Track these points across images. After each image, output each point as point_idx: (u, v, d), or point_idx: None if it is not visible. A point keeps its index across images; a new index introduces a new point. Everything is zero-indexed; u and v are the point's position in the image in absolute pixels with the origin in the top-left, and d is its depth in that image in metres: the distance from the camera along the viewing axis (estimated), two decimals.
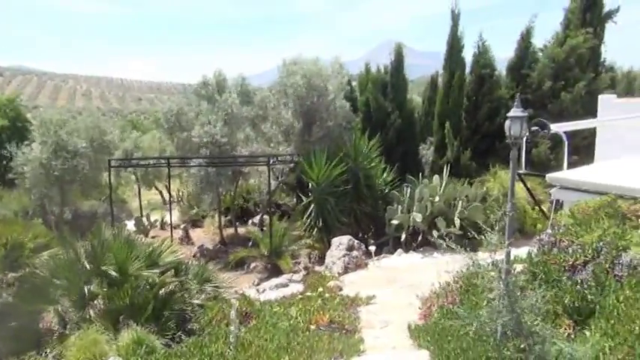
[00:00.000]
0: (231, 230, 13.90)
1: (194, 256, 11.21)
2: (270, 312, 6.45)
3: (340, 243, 9.42)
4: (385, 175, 12.17)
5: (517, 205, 10.39)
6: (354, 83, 15.93)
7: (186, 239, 13.52)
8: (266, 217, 12.69)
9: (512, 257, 5.64)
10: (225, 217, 14.59)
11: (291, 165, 12.35)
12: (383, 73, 15.16)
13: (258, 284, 9.43)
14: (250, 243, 11.77)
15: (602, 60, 13.86)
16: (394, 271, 8.80)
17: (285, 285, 8.81)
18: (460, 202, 10.07)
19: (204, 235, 14.37)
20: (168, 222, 13.56)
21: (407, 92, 15.41)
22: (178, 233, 13.54)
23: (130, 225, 14.68)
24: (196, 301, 6.85)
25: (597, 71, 13.49)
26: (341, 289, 7.87)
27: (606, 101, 11.85)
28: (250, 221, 14.92)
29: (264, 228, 12.39)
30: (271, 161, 11.25)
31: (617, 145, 10.03)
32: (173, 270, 7.06)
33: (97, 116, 16.67)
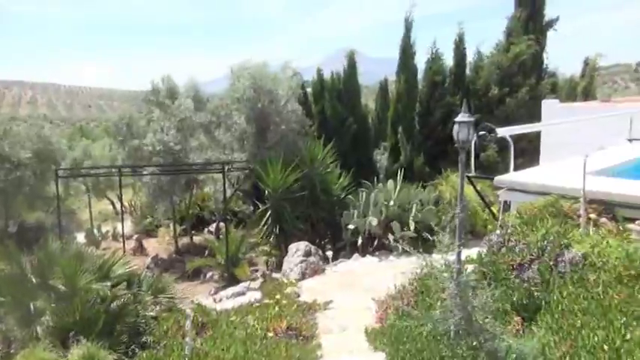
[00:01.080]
0: (186, 239, 13.65)
1: (148, 267, 10.92)
2: (227, 321, 6.37)
3: (297, 249, 9.43)
4: (341, 180, 12.27)
5: (468, 207, 10.70)
6: (309, 90, 16.01)
7: (140, 250, 13.16)
8: (222, 225, 12.53)
9: (464, 258, 5.81)
10: (181, 226, 14.30)
11: (247, 172, 12.27)
12: (337, 79, 15.33)
13: (214, 293, 9.28)
14: (206, 252, 11.60)
15: (544, 66, 14.53)
16: (351, 275, 8.87)
17: (243, 293, 8.71)
18: (414, 205, 10.28)
19: (159, 246, 14.03)
20: (121, 233, 13.16)
21: (361, 98, 15.65)
22: (131, 244, 13.16)
23: (80, 237, 14.16)
24: (150, 314, 6.67)
25: (540, 77, 14.12)
26: (299, 296, 7.87)
27: (549, 106, 12.42)
28: (206, 230, 14.70)
29: (221, 236, 12.23)
30: (226, 168, 11.13)
31: (559, 148, 10.52)
32: (125, 282, 6.86)
33: (42, 124, 16.03)
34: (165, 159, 11.71)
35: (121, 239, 12.92)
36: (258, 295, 8.32)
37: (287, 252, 9.72)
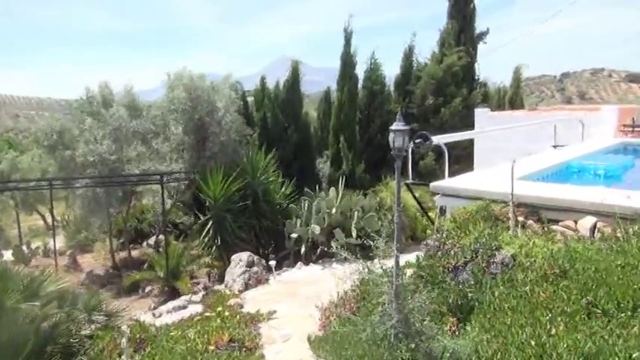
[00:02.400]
0: (124, 254, 13.17)
1: (82, 284, 10.45)
2: (167, 336, 6.18)
3: (240, 260, 9.31)
4: (283, 189, 12.27)
5: (408, 213, 11.01)
6: (250, 99, 15.94)
7: (74, 266, 12.58)
8: (162, 237, 12.19)
9: (404, 262, 5.98)
10: (118, 239, 13.79)
11: (187, 182, 12.02)
12: (279, 88, 15.37)
13: (154, 308, 9.00)
14: (145, 265, 11.24)
15: (476, 77, 15.24)
16: (295, 284, 8.86)
17: (184, 307, 8.49)
18: (356, 212, 10.43)
19: (95, 261, 13.46)
20: (53, 249, 12.52)
21: (302, 107, 15.77)
22: (64, 260, 12.55)
23: (8, 255, 13.34)
24: (85, 332, 6.37)
25: (472, 87, 14.79)
26: (242, 307, 7.76)
27: (481, 114, 13.05)
28: (145, 243, 14.25)
29: (161, 249, 11.90)
30: (165, 179, 10.85)
31: (491, 154, 11.05)
32: (57, 301, 6.51)
33: None
34: (100, 170, 11.27)
35: (52, 255, 12.27)
36: (199, 308, 8.14)
37: (229, 263, 9.58)
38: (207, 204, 11.12)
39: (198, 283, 10.13)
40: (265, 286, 9.07)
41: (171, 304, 8.75)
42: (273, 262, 9.90)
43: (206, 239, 10.96)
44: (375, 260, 4.40)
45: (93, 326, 6.66)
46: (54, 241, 12.61)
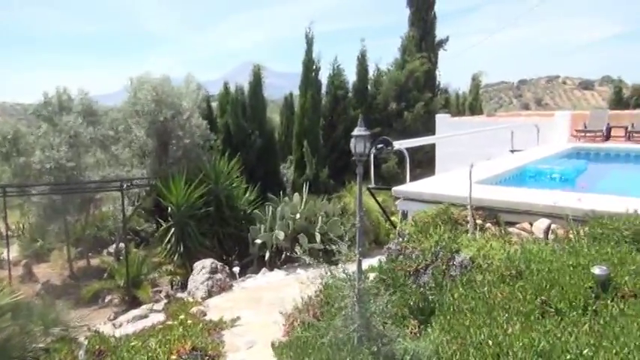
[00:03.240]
0: (82, 263, 12.77)
1: (38, 295, 10.08)
2: (127, 347, 6.02)
3: (203, 267, 9.18)
4: (247, 195, 12.20)
5: (372, 217, 11.14)
6: (214, 104, 15.81)
7: (29, 276, 12.10)
8: (122, 245, 11.90)
9: (367, 266, 6.03)
10: (76, 248, 13.36)
11: (148, 189, 11.78)
12: (242, 93, 15.29)
13: (114, 318, 8.77)
14: (105, 274, 10.93)
15: (437, 83, 15.58)
16: (259, 290, 8.81)
17: (145, 316, 8.31)
18: (320, 217, 10.46)
19: (52, 271, 12.99)
20: (6, 259, 12.01)
21: (266, 112, 15.73)
22: (19, 270, 12.07)
23: None
24: (40, 345, 6.15)
25: (433, 93, 15.11)
26: (205, 315, 7.66)
27: (442, 119, 13.34)
28: (105, 251, 13.85)
29: (121, 257, 11.60)
30: (125, 186, 10.61)
31: (451, 158, 11.30)
32: (10, 313, 6.27)
33: None
34: (56, 177, 10.92)
35: (5, 266, 11.79)
36: (161, 316, 7.98)
37: (192, 270, 9.44)
38: (169, 210, 10.94)
39: (160, 292, 9.93)
40: (229, 293, 8.97)
41: (131, 314, 8.55)
42: (236, 269, 9.82)
43: (168, 246, 10.77)
44: (339, 265, 4.43)
45: (49, 339, 6.44)
46: (7, 251, 12.11)
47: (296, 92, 16.01)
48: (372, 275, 5.48)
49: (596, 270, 3.96)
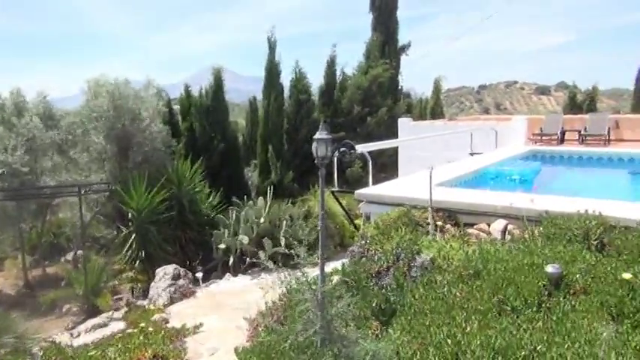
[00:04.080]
0: (38, 271, 12.33)
1: None
2: (85, 357, 5.87)
3: (165, 273, 9.02)
4: (210, 199, 12.06)
5: (336, 220, 11.18)
6: (176, 107, 15.57)
7: None
8: (81, 252, 11.56)
9: (331, 269, 6.05)
10: (32, 256, 12.89)
11: (107, 194, 11.49)
12: (204, 97, 15.13)
13: (72, 328, 8.50)
14: (63, 283, 10.60)
15: (400, 88, 15.82)
16: (223, 295, 8.71)
17: (105, 325, 8.10)
18: (284, 221, 10.45)
19: (5, 280, 12.47)
20: None
21: (229, 116, 15.60)
22: None
23: None
24: None
25: (397, 97, 15.34)
26: (167, 322, 7.52)
27: (404, 124, 13.55)
28: (63, 259, 13.42)
29: (80, 265, 11.26)
30: (83, 191, 10.32)
31: (414, 162, 11.49)
32: None
33: None
34: (10, 182, 10.52)
35: None
36: (122, 325, 7.80)
37: (154, 277, 9.26)
38: (130, 216, 10.70)
39: (120, 299, 9.68)
40: (192, 299, 8.84)
41: (90, 323, 8.31)
42: (200, 274, 9.68)
43: (129, 253, 10.53)
44: (304, 268, 4.44)
45: (2, 350, 6.19)
46: None
47: (260, 96, 15.96)
48: (335, 278, 5.51)
49: (550, 268, 4.10)
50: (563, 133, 13.52)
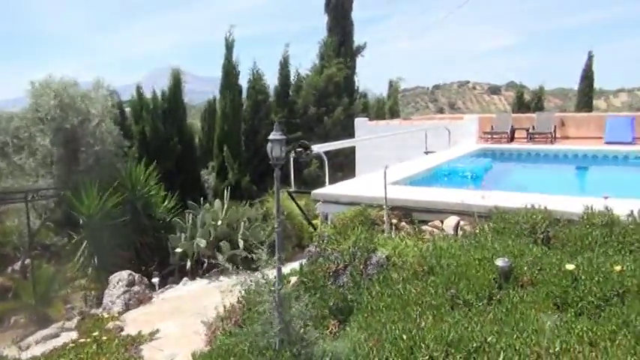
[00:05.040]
0: None
1: None
2: None
3: (119, 279, 8.78)
4: (166, 203, 11.82)
5: (294, 221, 11.18)
6: (128, 109, 15.18)
7: None
8: (29, 261, 11.09)
9: (289, 270, 6.06)
10: None
11: (57, 199, 11.08)
12: (160, 98, 14.83)
13: (20, 341, 8.14)
14: (10, 294, 10.13)
15: (356, 88, 15.98)
16: (180, 301, 8.55)
17: (56, 335, 7.79)
18: (242, 223, 10.35)
19: None
20: None
21: (186, 118, 15.36)
22: None
23: None
24: None
25: (353, 97, 15.49)
26: (122, 330, 7.32)
27: (360, 123, 13.70)
28: (10, 268, 12.83)
29: (28, 274, 10.80)
30: (30, 197, 9.90)
31: (370, 161, 11.64)
32: None
33: None
34: None
35: None
36: (74, 334, 7.52)
37: (108, 284, 8.99)
38: (81, 222, 10.35)
39: (73, 309, 9.35)
40: (148, 306, 8.64)
41: (40, 334, 7.98)
42: (156, 280, 9.48)
43: (81, 260, 10.18)
44: (263, 270, 4.42)
45: None
46: None
47: (218, 97, 15.77)
48: (293, 279, 5.52)
49: (499, 262, 4.25)
50: (512, 131, 14.01)
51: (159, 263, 11.15)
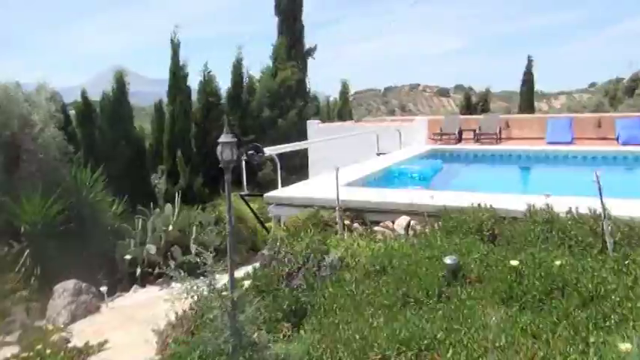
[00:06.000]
0: None
1: None
2: None
3: (64, 289, 8.42)
4: (114, 208, 11.44)
5: (248, 224, 11.08)
6: (72, 112, 14.61)
7: None
8: None
9: (243, 274, 5.99)
10: None
11: None
12: (108, 101, 14.35)
13: None
14: None
15: (308, 90, 16.04)
16: (130, 309, 8.31)
17: None
18: (194, 228, 10.18)
19: None
20: None
21: (133, 120, 14.94)
22: None
23: None
24: None
25: (305, 100, 15.53)
26: (68, 342, 7.02)
27: (313, 126, 13.75)
28: None
29: None
30: None
31: (323, 163, 11.68)
32: None
33: None
34: None
35: None
36: (15, 349, 7.16)
37: (53, 294, 8.61)
38: (23, 230, 9.86)
39: (14, 322, 8.88)
40: (96, 316, 8.34)
41: None
42: (104, 288, 9.15)
43: (23, 270, 9.69)
44: (216, 275, 4.35)
45: None
46: None
47: (166, 99, 15.41)
48: (246, 283, 5.46)
49: (448, 260, 4.36)
50: (460, 132, 14.44)
51: (107, 271, 10.75)
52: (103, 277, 10.63)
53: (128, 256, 9.83)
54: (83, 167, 11.56)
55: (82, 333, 7.40)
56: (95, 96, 14.86)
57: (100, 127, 13.70)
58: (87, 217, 10.65)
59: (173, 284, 9.33)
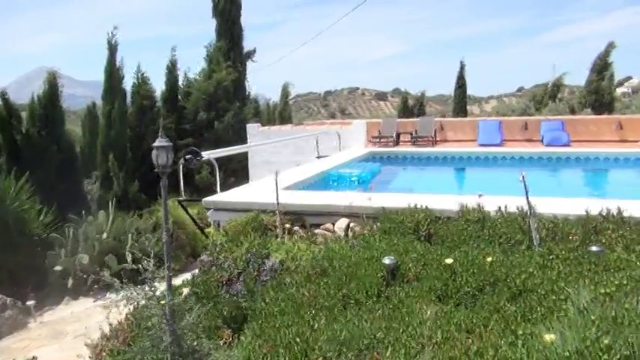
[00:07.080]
0: None
1: None
2: None
3: None
4: (42, 217, 10.82)
5: (187, 230, 10.83)
6: None
7: None
8: None
9: (182, 281, 5.85)
10: None
11: None
12: (37, 104, 13.53)
13: None
14: None
15: (247, 93, 15.90)
16: (61, 323, 7.91)
17: None
18: (130, 235, 9.82)
19: None
20: None
21: (64, 124, 14.19)
22: None
23: None
24: None
25: (244, 102, 15.39)
26: None
27: (252, 129, 13.66)
28: None
29: None
30: None
31: (264, 166, 11.64)
32: None
33: None
34: None
35: None
36: None
37: None
38: None
39: None
40: (23, 332, 7.87)
41: None
42: (32, 302, 8.65)
43: None
44: (155, 283, 4.21)
45: None
46: None
47: (100, 102, 14.76)
48: (185, 290, 5.34)
49: (386, 260, 4.46)
50: (397, 135, 14.81)
51: (36, 284, 10.15)
52: (30, 290, 10.05)
53: (59, 267, 9.34)
54: (7, 175, 10.87)
55: (7, 351, 6.97)
56: (21, 99, 14.00)
57: (28, 131, 12.91)
58: (12, 227, 10.01)
59: (108, 294, 9.01)
